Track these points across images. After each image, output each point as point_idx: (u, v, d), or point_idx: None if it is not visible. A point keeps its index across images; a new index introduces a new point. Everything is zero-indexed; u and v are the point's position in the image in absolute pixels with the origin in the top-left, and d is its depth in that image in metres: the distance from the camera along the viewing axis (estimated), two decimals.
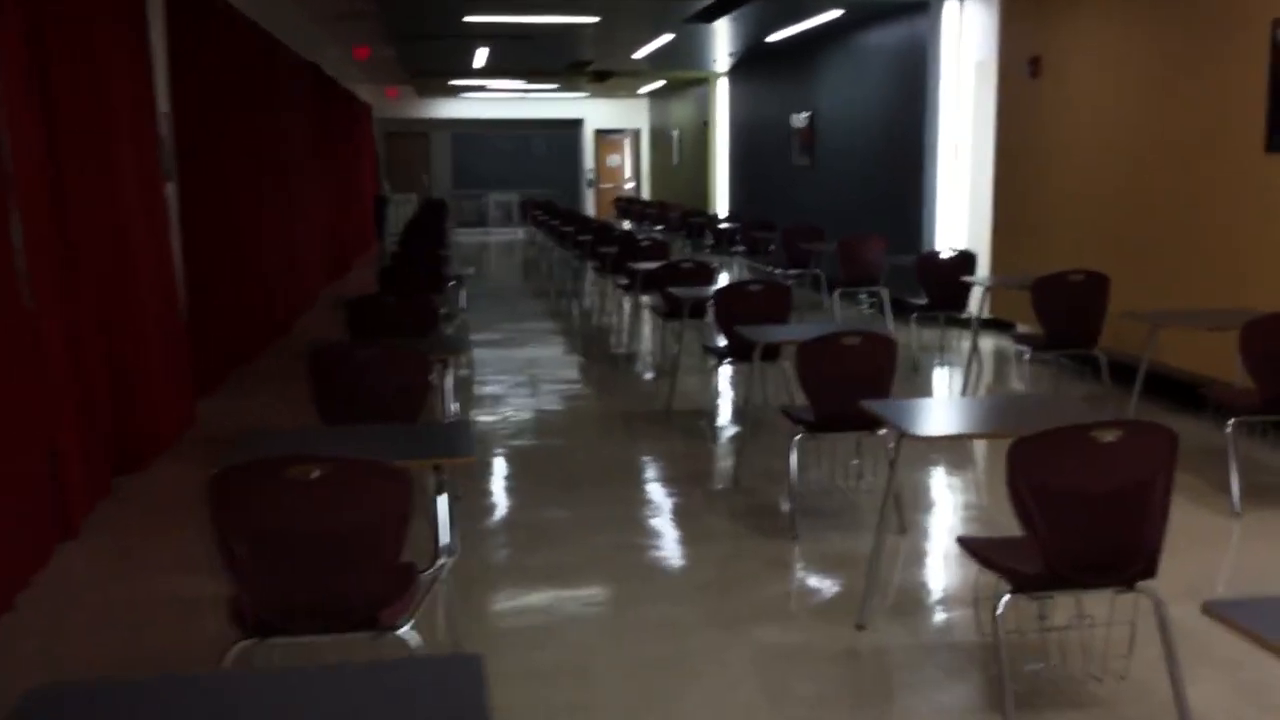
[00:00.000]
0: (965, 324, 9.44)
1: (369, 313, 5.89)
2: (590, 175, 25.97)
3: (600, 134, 25.94)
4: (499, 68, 17.06)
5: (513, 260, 18.80)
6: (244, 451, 2.95)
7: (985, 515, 4.92)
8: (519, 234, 23.85)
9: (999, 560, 3.00)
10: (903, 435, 3.39)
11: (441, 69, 17.18)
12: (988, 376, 8.04)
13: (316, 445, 3.17)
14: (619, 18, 11.22)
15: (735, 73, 17.58)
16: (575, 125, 25.66)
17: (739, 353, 6.21)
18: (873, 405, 3.72)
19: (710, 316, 7.17)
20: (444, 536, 3.12)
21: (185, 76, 7.28)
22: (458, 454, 2.97)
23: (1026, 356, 6.69)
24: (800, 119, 14.27)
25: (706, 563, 4.38)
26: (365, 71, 18.99)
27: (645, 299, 9.53)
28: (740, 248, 14.05)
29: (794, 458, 4.85)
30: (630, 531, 4.73)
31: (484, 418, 6.87)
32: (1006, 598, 2.94)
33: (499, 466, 5.80)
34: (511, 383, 7.95)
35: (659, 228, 19.10)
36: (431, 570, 3.12)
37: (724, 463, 5.82)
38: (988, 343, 9.14)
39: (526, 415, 6.94)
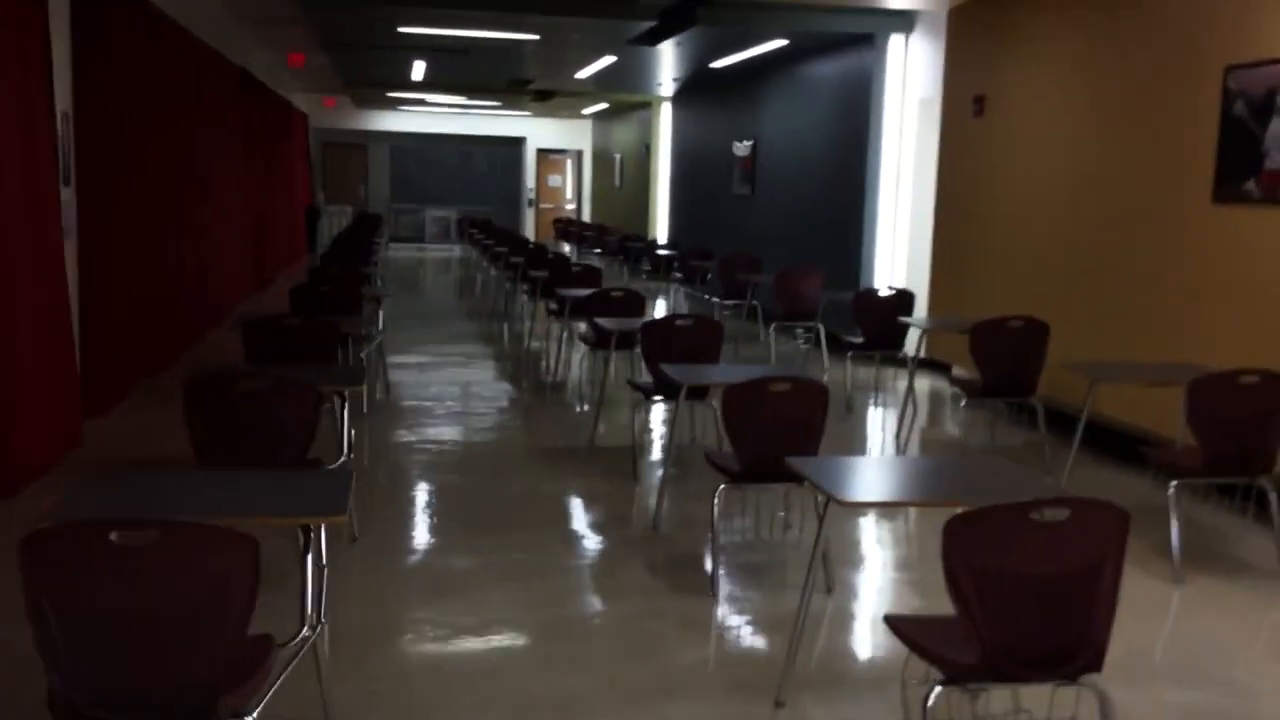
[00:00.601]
0: (902, 363, 9.26)
1: (269, 336, 5.48)
2: (531, 195, 25.62)
3: (542, 153, 25.63)
4: (438, 82, 16.68)
5: (448, 278, 18.37)
6: (73, 505, 2.56)
7: (917, 576, 4.65)
8: (455, 251, 23.41)
9: (931, 647, 2.71)
10: (830, 499, 3.10)
11: (378, 80, 16.76)
12: (923, 419, 7.82)
13: (170, 494, 2.79)
14: (560, 36, 10.93)
15: (679, 98, 17.40)
16: (517, 143, 25.33)
17: (665, 390, 5.90)
18: (800, 464, 3.42)
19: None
20: (310, 605, 2.75)
21: (92, 75, 6.83)
22: (327, 511, 2.61)
23: (963, 403, 6.48)
24: (742, 147, 14.08)
25: (618, 623, 4.04)
26: (301, 80, 18.52)
27: (582, 326, 9.19)
28: (678, 275, 13.82)
29: (717, 509, 4.54)
30: (538, 584, 4.38)
31: (396, 448, 6.48)
32: (938, 689, 2.65)
33: (406, 504, 5.41)
34: (430, 411, 7.55)
35: (597, 251, 18.83)
36: (294, 643, 2.75)
37: (646, 505, 5.49)
38: (924, 383, 8.94)
39: (442, 447, 6.56)
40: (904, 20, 9.80)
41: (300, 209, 20.82)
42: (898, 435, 7.25)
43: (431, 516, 5.23)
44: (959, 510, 2.59)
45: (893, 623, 2.90)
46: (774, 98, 13.07)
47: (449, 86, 17.70)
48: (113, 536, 2.17)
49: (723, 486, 4.43)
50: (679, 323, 6.02)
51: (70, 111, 6.68)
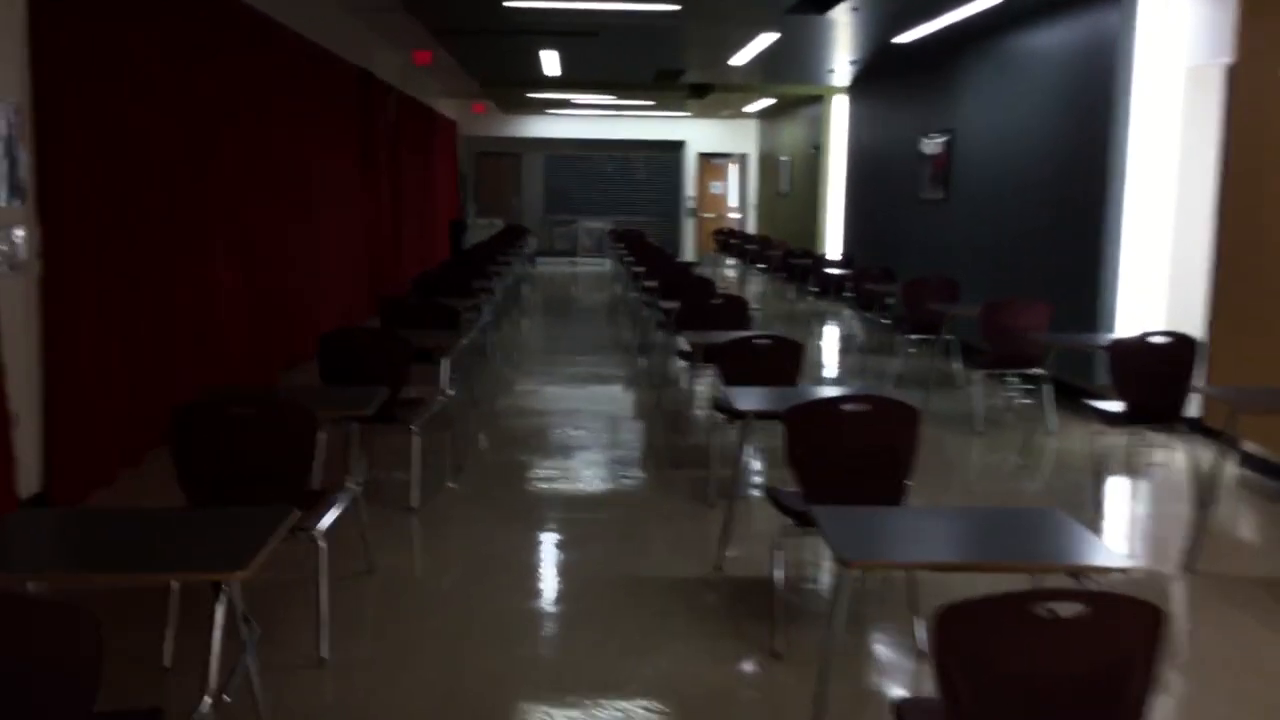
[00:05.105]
0: (1166, 428, 6.71)
1: (211, 430, 3.55)
2: (690, 203, 23.53)
3: (704, 158, 23.52)
4: (577, 77, 14.81)
5: (598, 297, 16.45)
6: None
7: None
8: (607, 265, 21.58)
9: None
10: None
11: (512, 77, 15.01)
12: (1223, 517, 5.33)
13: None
14: (705, 6, 8.81)
15: (856, 88, 15.00)
16: (676, 148, 23.31)
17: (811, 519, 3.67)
18: None
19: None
20: None
21: (63, 58, 5.14)
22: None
23: None
24: (933, 143, 11.61)
25: None
26: (440, 81, 17.01)
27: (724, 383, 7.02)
28: (849, 294, 11.52)
29: None
30: None
31: (428, 582, 4.48)
32: None
33: (395, 708, 3.38)
34: (502, 503, 5.54)
35: (760, 266, 16.62)
36: None
37: (789, 708, 3.30)
38: (1185, 454, 6.37)
39: (496, 579, 4.52)
40: None
41: (444, 223, 19.40)
42: (1189, 557, 4.79)
43: None
44: None
45: None
46: (977, 79, 10.57)
47: (591, 83, 15.81)
48: None
49: None
50: (846, 407, 3.79)
51: (24, 102, 4.98)
